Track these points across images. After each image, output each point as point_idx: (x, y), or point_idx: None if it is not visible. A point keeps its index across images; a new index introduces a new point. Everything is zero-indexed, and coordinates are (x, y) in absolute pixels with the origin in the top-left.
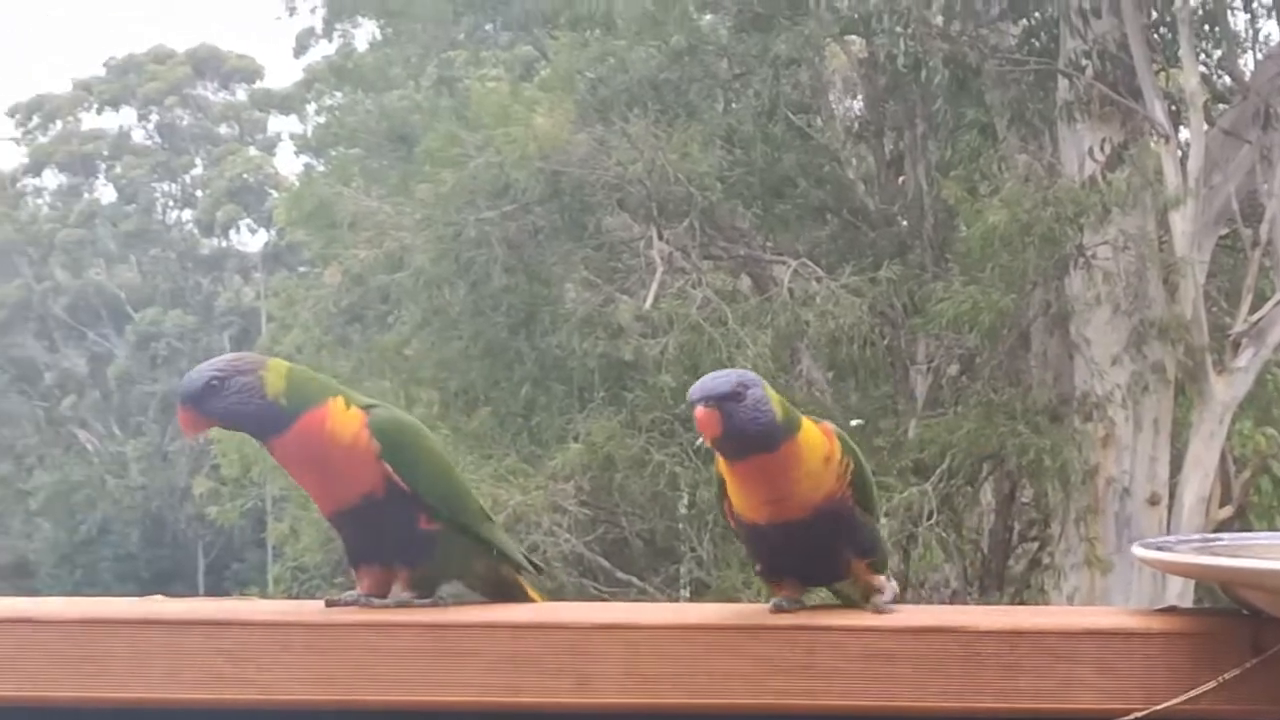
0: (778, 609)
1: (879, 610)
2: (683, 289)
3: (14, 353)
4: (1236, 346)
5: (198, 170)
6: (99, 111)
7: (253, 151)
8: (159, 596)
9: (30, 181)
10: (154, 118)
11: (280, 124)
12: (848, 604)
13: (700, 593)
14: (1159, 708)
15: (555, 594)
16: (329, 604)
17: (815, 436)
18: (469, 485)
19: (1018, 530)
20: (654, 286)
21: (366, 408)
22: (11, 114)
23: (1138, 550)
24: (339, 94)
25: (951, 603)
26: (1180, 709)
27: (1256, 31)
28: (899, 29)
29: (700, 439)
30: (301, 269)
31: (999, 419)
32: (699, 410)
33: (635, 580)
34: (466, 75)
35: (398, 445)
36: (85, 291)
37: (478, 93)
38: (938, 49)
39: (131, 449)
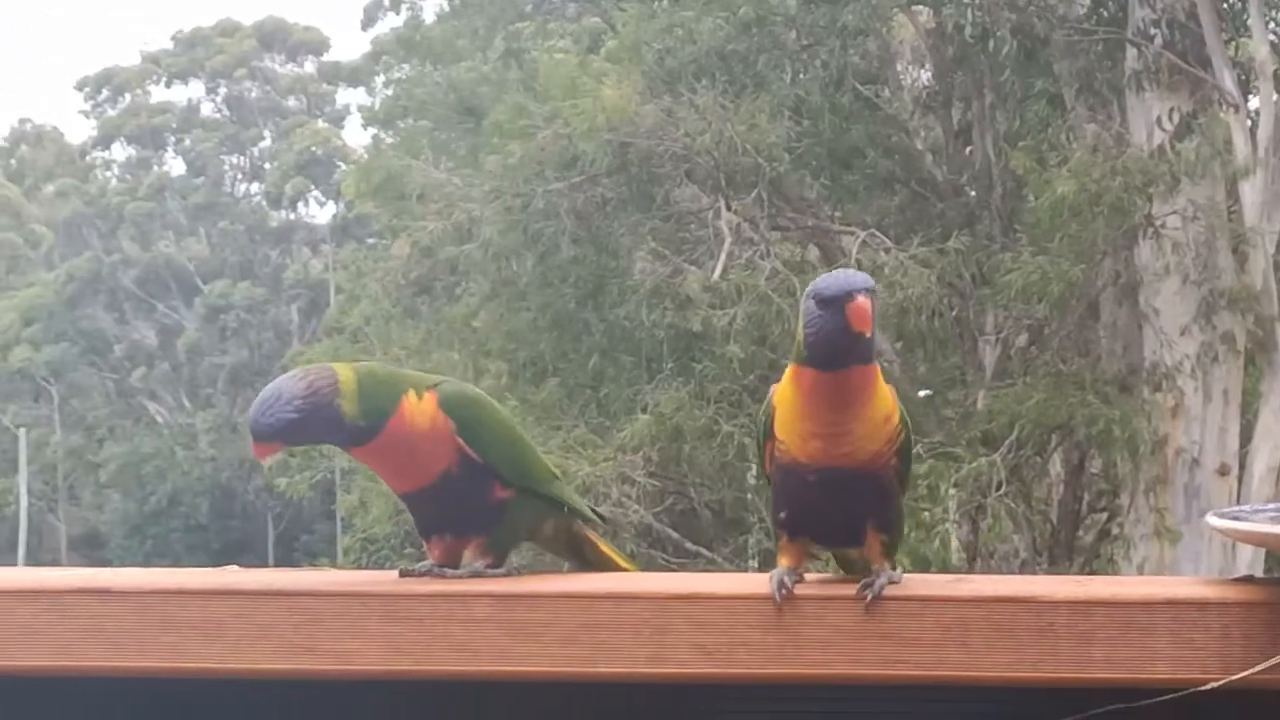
0: (781, 584)
1: (862, 593)
2: (751, 260)
3: (84, 325)
4: None
5: (266, 143)
6: (167, 84)
7: (321, 124)
8: (234, 567)
9: (99, 154)
10: (222, 90)
11: (348, 96)
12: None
13: (769, 563)
14: (1235, 677)
15: None
16: (403, 574)
17: (885, 388)
18: (536, 447)
19: (1087, 501)
20: (722, 257)
21: (433, 386)
22: (80, 87)
23: (1212, 520)
24: (407, 66)
25: (1021, 573)
26: (1257, 679)
27: None
28: None
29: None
30: (370, 241)
31: (1068, 389)
32: (861, 300)
33: (704, 551)
34: (534, 47)
35: (468, 419)
36: (155, 264)
37: (545, 64)
38: (1005, 19)
39: (201, 420)
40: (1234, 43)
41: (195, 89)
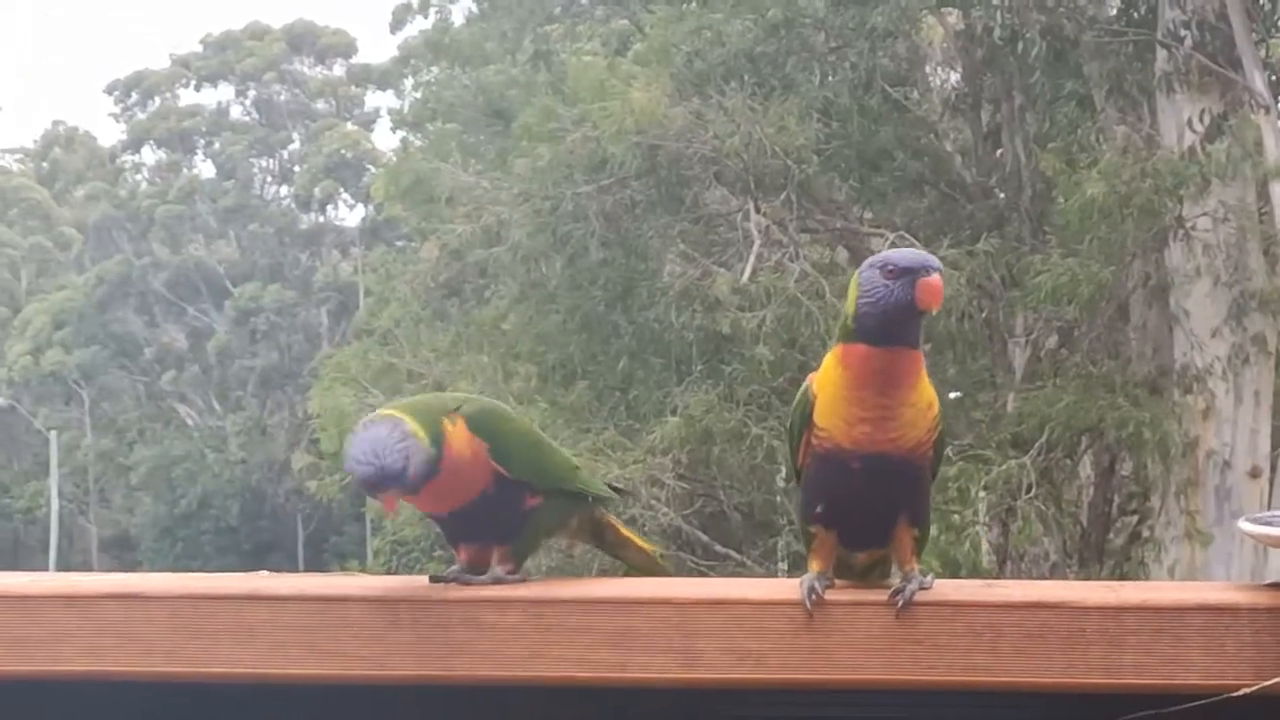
0: (811, 590)
1: (893, 599)
2: (780, 262)
3: (114, 328)
4: None
5: (295, 146)
6: (197, 88)
7: (350, 127)
8: (264, 572)
9: (129, 158)
10: (251, 93)
11: (377, 99)
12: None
13: (798, 566)
14: (1268, 683)
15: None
16: (433, 580)
17: (927, 379)
18: (555, 445)
19: (1117, 503)
20: (751, 260)
21: (456, 410)
22: (110, 90)
23: (1244, 525)
24: (435, 69)
25: (1051, 576)
26: None
27: None
28: (995, 0)
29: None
30: (399, 244)
31: (1098, 392)
32: (936, 278)
33: (733, 553)
34: (563, 49)
35: (499, 439)
36: (185, 267)
37: (574, 67)
38: (1035, 20)
39: (231, 423)
40: (1265, 44)
41: (225, 92)
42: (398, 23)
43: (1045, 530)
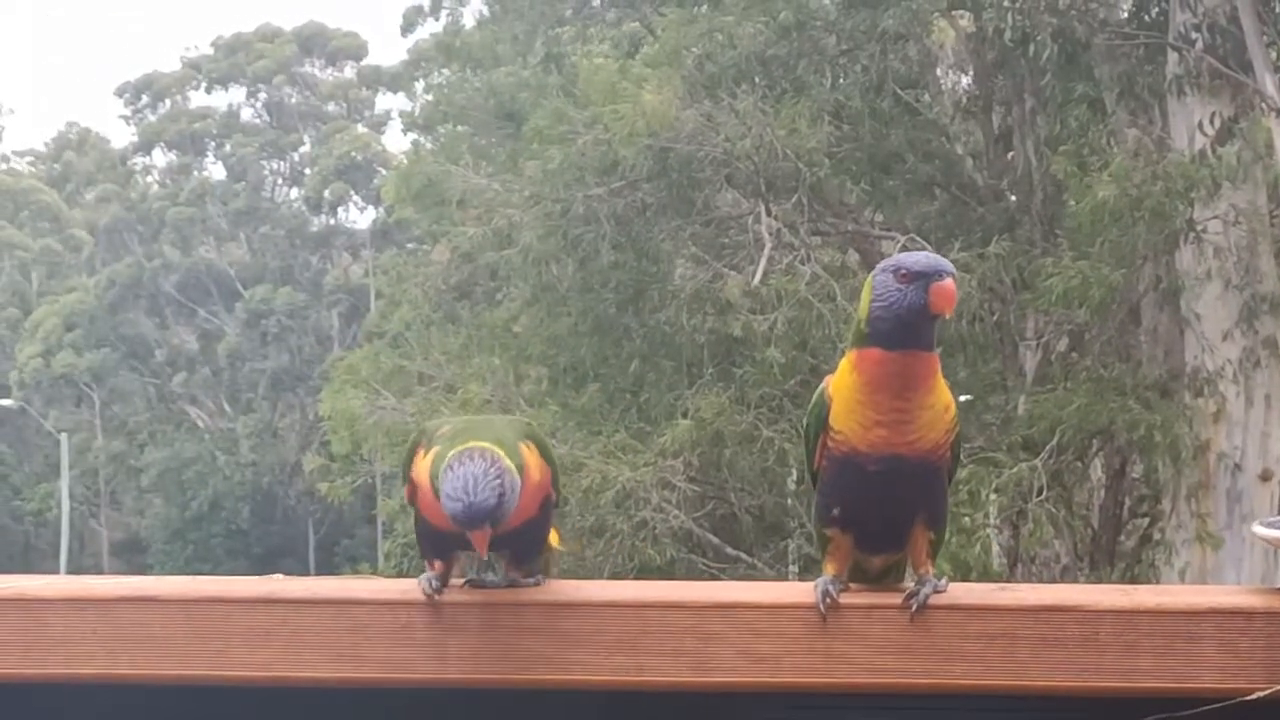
0: (825, 593)
1: (907, 603)
2: (791, 265)
3: (125, 330)
4: None
5: (306, 148)
6: (208, 90)
7: (361, 129)
8: (279, 575)
9: (140, 160)
10: (262, 96)
11: (388, 102)
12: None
13: (809, 568)
14: None
15: (665, 570)
16: (469, 584)
17: (943, 381)
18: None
19: (1128, 506)
20: (762, 262)
21: (528, 435)
22: (120, 93)
23: (1258, 529)
24: (447, 71)
25: (1062, 579)
26: None
27: None
28: (1006, 3)
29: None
30: (410, 246)
31: (1109, 394)
32: (949, 282)
33: (744, 556)
34: (574, 52)
35: (552, 460)
36: (195, 269)
37: (585, 69)
38: (1046, 23)
39: (242, 425)
40: (1276, 46)
41: (235, 94)
42: (409, 25)
43: (1056, 533)
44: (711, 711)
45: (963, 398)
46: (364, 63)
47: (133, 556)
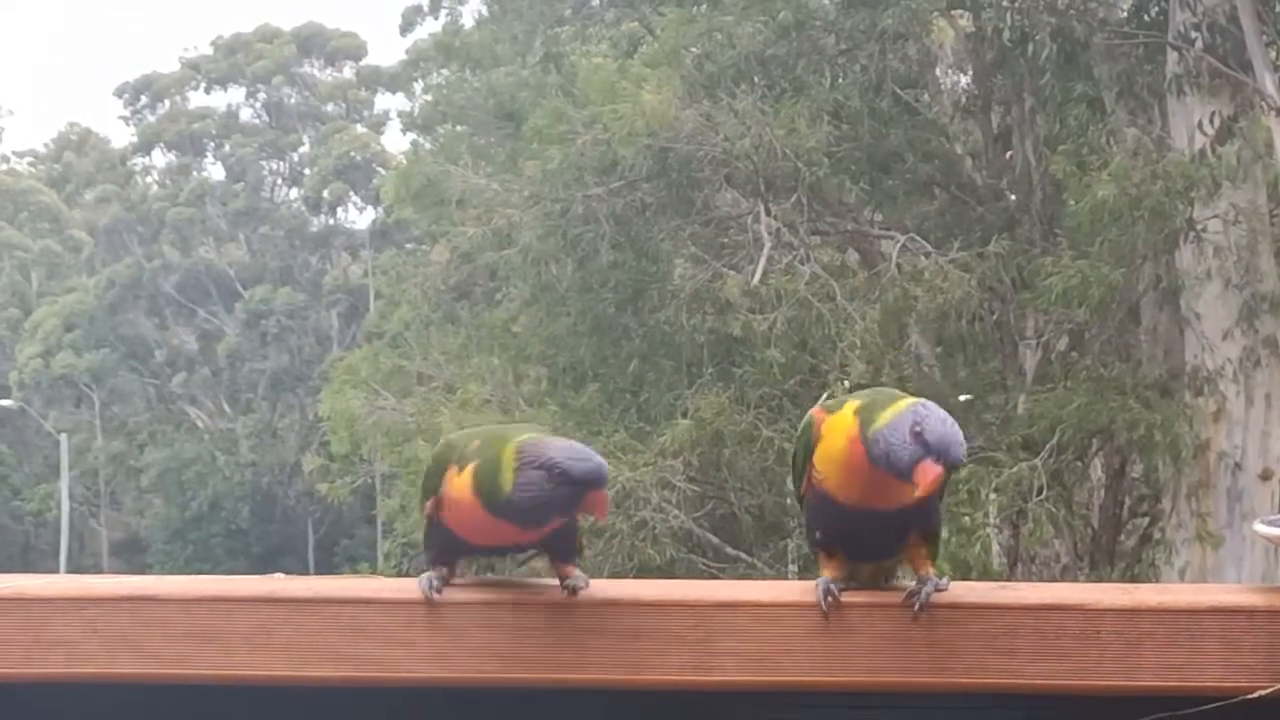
0: (827, 592)
1: (909, 602)
2: (790, 264)
3: (125, 330)
4: None
5: (305, 148)
6: (207, 90)
7: (360, 129)
8: (280, 575)
9: (140, 160)
10: (261, 96)
11: (387, 102)
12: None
13: (809, 568)
14: None
15: (665, 570)
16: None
17: None
18: None
19: (1128, 505)
20: (762, 262)
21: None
22: (120, 93)
23: (1260, 527)
24: (446, 71)
25: (1062, 578)
26: None
27: None
28: (1005, 2)
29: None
30: (409, 246)
31: (1109, 394)
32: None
33: (744, 555)
34: (573, 52)
35: None
36: (195, 269)
37: (584, 69)
38: (1045, 23)
39: (242, 426)
40: (1275, 46)
41: (235, 95)
42: (408, 25)
43: (1056, 532)
44: (712, 711)
45: (962, 398)
46: (363, 63)
47: (133, 556)
